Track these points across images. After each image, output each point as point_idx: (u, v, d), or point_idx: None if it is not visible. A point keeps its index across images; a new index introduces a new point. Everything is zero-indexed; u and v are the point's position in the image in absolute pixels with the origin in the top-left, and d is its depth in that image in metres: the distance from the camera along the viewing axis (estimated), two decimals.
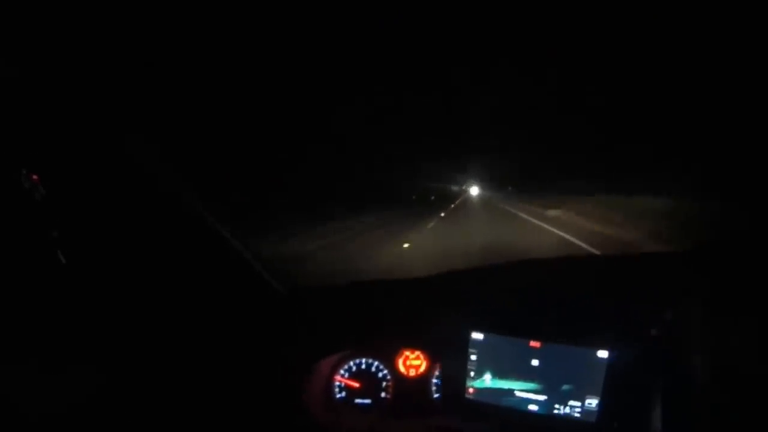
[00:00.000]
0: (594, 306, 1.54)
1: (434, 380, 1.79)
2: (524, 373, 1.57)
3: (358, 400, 1.86)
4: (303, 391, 1.75)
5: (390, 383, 1.84)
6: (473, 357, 1.64)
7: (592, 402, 1.50)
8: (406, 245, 11.23)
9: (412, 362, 1.82)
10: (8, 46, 1.08)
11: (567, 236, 11.94)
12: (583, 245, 10.16)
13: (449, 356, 1.69)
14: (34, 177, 1.27)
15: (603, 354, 1.48)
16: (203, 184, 1.52)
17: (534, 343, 1.56)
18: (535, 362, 1.56)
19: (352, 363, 1.87)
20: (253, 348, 1.72)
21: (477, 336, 1.64)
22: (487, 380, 1.62)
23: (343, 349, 1.84)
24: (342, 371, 1.88)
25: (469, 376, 1.64)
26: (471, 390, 1.64)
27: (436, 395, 1.79)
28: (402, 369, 1.82)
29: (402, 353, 1.82)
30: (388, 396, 1.84)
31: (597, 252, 8.65)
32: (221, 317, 1.70)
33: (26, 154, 1.28)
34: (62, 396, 1.36)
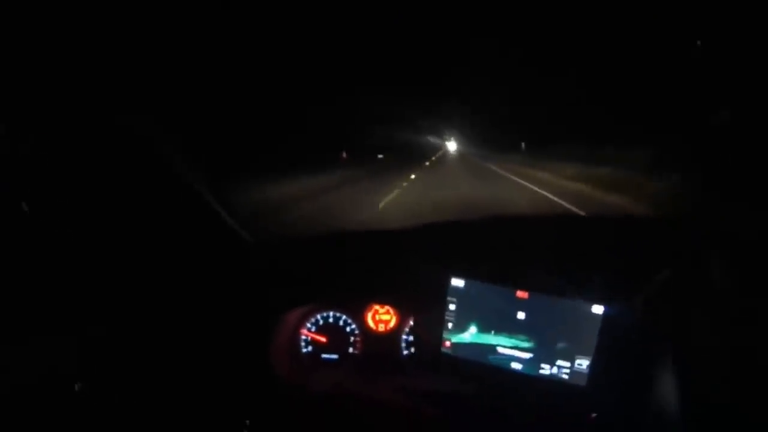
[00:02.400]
0: (588, 258, 1.39)
1: (404, 337, 1.73)
2: (509, 327, 1.42)
3: (324, 355, 1.80)
4: (269, 343, 1.68)
5: (358, 338, 1.78)
6: (452, 306, 1.50)
7: (583, 363, 1.36)
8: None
9: (382, 317, 1.75)
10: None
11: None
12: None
13: (425, 305, 1.54)
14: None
15: (598, 309, 1.33)
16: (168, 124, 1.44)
17: (521, 293, 1.40)
18: (521, 315, 1.40)
19: (318, 316, 1.80)
20: (218, 297, 1.64)
21: (457, 283, 1.48)
22: (467, 334, 1.47)
23: (310, 301, 1.77)
24: (309, 324, 1.81)
25: (447, 328, 1.50)
26: (448, 344, 1.51)
27: (405, 352, 1.73)
28: (371, 324, 1.76)
29: (371, 308, 1.76)
30: (356, 351, 1.78)
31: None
32: (187, 265, 1.62)
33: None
34: (31, 367, 1.29)
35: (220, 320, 1.62)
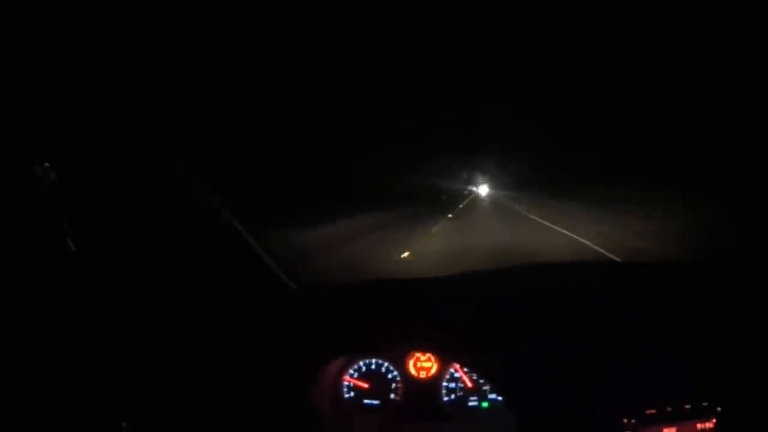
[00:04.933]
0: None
1: (445, 384, 1.77)
2: None
3: (366, 401, 1.83)
4: (312, 391, 1.72)
5: (400, 385, 1.81)
6: None
7: None
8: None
9: (423, 364, 1.79)
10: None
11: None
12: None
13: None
14: (46, 165, 1.27)
15: None
16: (214, 176, 1.52)
17: None
18: None
19: (361, 363, 1.85)
20: (262, 345, 1.69)
21: None
22: None
23: (354, 350, 1.81)
24: (351, 371, 1.85)
25: None
26: None
27: (446, 399, 1.76)
28: (412, 371, 1.80)
29: (413, 355, 1.80)
30: (398, 397, 1.81)
31: None
32: (231, 312, 1.69)
33: (37, 142, 1.28)
34: (59, 395, 1.33)
35: (266, 368, 1.67)
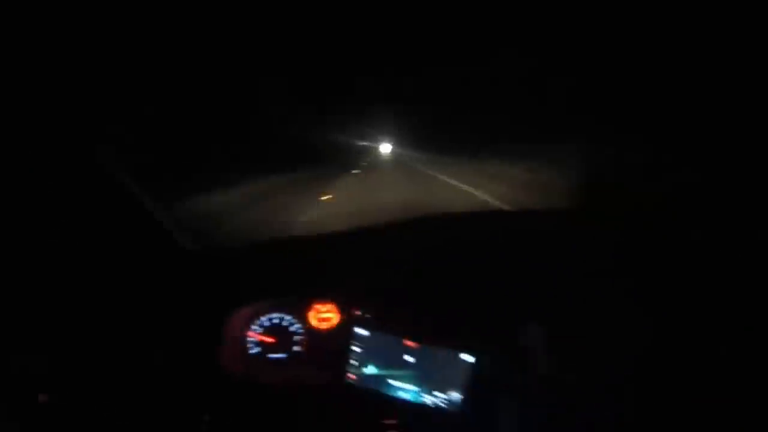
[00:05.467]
0: (466, 311, 1.68)
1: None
2: (399, 366, 1.74)
3: (272, 355, 1.90)
4: (217, 347, 1.76)
5: (303, 337, 1.89)
6: (357, 349, 1.78)
7: (456, 395, 1.67)
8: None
9: (324, 315, 1.87)
10: None
11: None
12: None
13: (334, 347, 1.81)
14: None
15: (469, 358, 1.65)
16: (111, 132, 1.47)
17: (408, 342, 1.72)
18: (409, 358, 1.72)
19: (264, 318, 1.90)
20: (164, 306, 1.70)
21: (361, 331, 1.78)
22: (367, 369, 1.77)
23: (253, 302, 1.87)
24: (255, 326, 1.90)
25: (351, 364, 1.78)
26: (353, 377, 1.78)
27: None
28: (314, 322, 1.88)
29: (313, 306, 1.87)
30: (302, 349, 1.89)
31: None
32: (130, 276, 1.67)
33: None
34: None
35: (169, 329, 1.69)
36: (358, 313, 1.82)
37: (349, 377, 1.77)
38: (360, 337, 1.77)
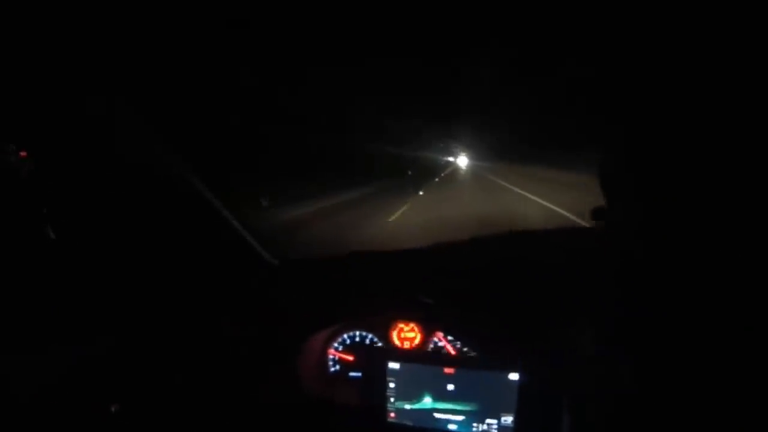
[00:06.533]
0: (502, 331, 1.59)
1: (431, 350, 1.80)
2: (442, 396, 1.61)
3: (352, 373, 1.87)
4: (297, 364, 1.75)
5: None
6: (392, 385, 1.65)
7: (508, 419, 1.54)
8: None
9: (407, 334, 1.82)
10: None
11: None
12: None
13: (369, 386, 1.69)
14: (22, 153, 1.25)
15: (514, 376, 1.52)
16: (192, 152, 1.51)
17: (448, 370, 1.60)
18: (450, 387, 1.60)
19: (345, 336, 1.87)
20: (245, 322, 1.71)
21: (393, 366, 1.65)
22: (407, 404, 1.64)
23: (337, 322, 1.84)
24: (336, 344, 1.87)
25: (390, 401, 1.66)
26: (393, 414, 1.66)
27: None
28: (396, 341, 1.83)
29: (396, 325, 1.82)
30: None
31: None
32: (212, 290, 1.69)
33: (14, 129, 1.25)
34: (43, 375, 1.35)
35: (251, 344, 1.70)
36: (440, 333, 1.75)
37: (390, 416, 1.67)
38: (394, 372, 1.67)
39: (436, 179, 28.84)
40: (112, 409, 1.45)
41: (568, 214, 10.73)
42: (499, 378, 1.54)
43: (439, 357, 1.68)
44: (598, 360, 1.39)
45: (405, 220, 10.59)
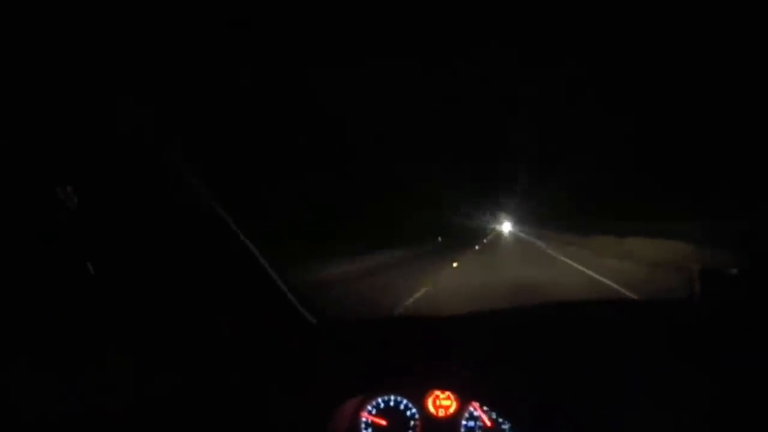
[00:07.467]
0: (540, 405, 1.53)
1: (464, 422, 1.74)
2: None
3: None
4: (328, 427, 1.70)
5: (418, 422, 1.78)
6: None
7: None
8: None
9: (442, 402, 1.77)
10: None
11: None
12: None
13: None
14: (68, 188, 1.29)
15: None
16: (239, 205, 1.54)
17: None
18: None
19: (379, 400, 1.83)
20: (280, 378, 1.69)
21: None
22: None
23: (372, 388, 1.80)
24: (369, 408, 1.83)
25: None
26: None
27: None
28: (431, 409, 1.78)
29: (432, 393, 1.78)
30: None
31: None
32: (251, 344, 1.70)
33: (60, 164, 1.30)
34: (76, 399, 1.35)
35: (282, 403, 1.67)
36: (476, 404, 1.70)
37: None
38: None
39: (477, 246, 28.67)
40: None
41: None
42: None
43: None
44: None
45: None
